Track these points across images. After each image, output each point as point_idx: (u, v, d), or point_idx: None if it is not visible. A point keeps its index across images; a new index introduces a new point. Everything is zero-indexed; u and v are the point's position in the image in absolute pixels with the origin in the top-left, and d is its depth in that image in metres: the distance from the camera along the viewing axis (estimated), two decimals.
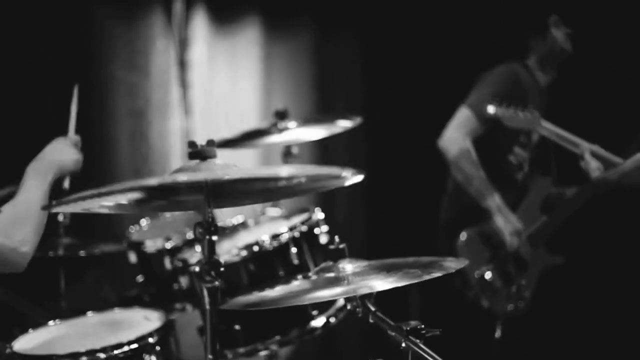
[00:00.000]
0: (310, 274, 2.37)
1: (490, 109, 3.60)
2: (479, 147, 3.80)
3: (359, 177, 1.86)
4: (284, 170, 1.78)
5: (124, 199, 1.91)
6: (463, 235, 3.79)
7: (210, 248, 1.90)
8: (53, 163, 2.51)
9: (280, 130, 3.43)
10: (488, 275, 3.72)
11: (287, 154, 3.68)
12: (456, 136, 3.76)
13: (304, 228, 2.85)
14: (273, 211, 3.35)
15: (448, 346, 3.92)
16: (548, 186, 3.93)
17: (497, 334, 3.74)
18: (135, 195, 1.90)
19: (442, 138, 3.82)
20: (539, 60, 3.92)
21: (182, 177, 1.76)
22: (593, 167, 3.47)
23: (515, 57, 3.97)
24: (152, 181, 1.76)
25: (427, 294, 4.58)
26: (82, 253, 3.54)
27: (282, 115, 3.46)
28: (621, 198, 3.80)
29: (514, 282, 3.76)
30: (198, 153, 1.91)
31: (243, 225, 3.22)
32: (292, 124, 3.45)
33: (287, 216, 3.20)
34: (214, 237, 1.90)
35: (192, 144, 1.92)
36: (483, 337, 3.84)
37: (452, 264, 2.21)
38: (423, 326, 2.15)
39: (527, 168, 3.91)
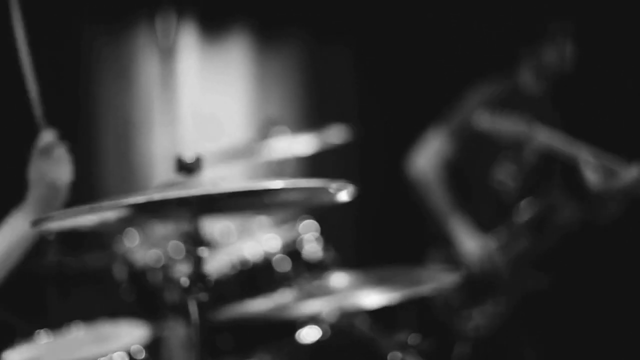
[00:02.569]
0: (298, 285, 2.38)
1: (483, 121, 3.46)
2: (456, 166, 3.76)
3: (351, 192, 1.85)
4: (276, 184, 1.77)
5: (110, 215, 1.91)
6: (432, 251, 3.75)
7: (198, 261, 1.90)
8: (42, 198, 2.37)
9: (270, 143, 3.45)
10: (448, 295, 3.62)
11: (278, 165, 3.69)
12: (420, 161, 3.71)
13: (293, 239, 2.86)
14: (262, 222, 3.36)
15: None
16: (534, 204, 3.82)
17: (455, 353, 3.64)
18: (122, 211, 1.90)
19: (408, 163, 3.77)
20: (529, 71, 3.80)
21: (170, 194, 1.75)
22: (591, 180, 3.40)
23: (501, 71, 3.89)
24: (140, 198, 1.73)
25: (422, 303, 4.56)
26: (70, 266, 3.55)
27: (272, 126, 3.48)
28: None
29: (477, 303, 3.66)
30: (185, 167, 1.91)
31: (231, 237, 3.23)
32: (282, 136, 3.47)
33: (275, 227, 3.21)
34: (202, 250, 1.90)
35: (179, 158, 1.92)
36: (446, 356, 3.77)
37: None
38: (410, 337, 2.16)
39: (514, 183, 3.83)
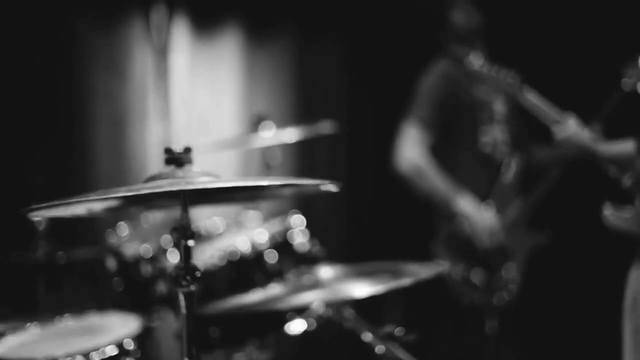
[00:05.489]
0: (287, 278, 2.39)
1: (475, 64, 3.42)
2: (446, 145, 3.78)
3: (336, 187, 1.87)
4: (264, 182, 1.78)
5: (100, 205, 1.92)
6: (439, 235, 3.76)
7: (187, 253, 1.91)
8: None
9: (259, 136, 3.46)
10: (465, 272, 3.68)
11: (267, 160, 3.71)
12: (407, 153, 3.73)
13: (282, 232, 2.88)
14: (252, 215, 3.38)
15: (439, 348, 3.95)
16: (521, 163, 3.87)
17: (487, 328, 3.71)
18: (113, 202, 1.91)
19: (394, 159, 3.78)
20: (458, 44, 3.89)
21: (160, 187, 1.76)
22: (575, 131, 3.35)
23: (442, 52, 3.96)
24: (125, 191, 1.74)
25: (407, 297, 4.57)
26: (60, 258, 3.56)
27: (260, 121, 3.50)
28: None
29: (494, 275, 3.70)
30: (174, 159, 1.92)
31: (221, 230, 3.24)
32: (270, 129, 3.49)
33: (265, 220, 3.23)
34: (190, 242, 1.91)
35: (168, 150, 1.93)
36: (474, 334, 3.79)
37: (427, 270, 2.25)
38: (398, 330, 2.18)
39: (503, 143, 3.84)
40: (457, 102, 3.73)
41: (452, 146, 3.80)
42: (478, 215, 3.66)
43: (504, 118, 3.84)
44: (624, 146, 3.21)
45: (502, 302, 3.71)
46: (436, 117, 3.70)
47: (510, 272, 3.72)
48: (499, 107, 3.86)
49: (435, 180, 3.68)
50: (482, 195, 3.74)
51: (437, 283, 3.75)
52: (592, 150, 3.35)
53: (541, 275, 4.00)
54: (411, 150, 3.72)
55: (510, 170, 3.79)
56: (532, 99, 3.38)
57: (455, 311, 3.79)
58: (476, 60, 3.45)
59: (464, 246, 3.70)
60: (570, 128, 3.30)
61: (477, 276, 3.68)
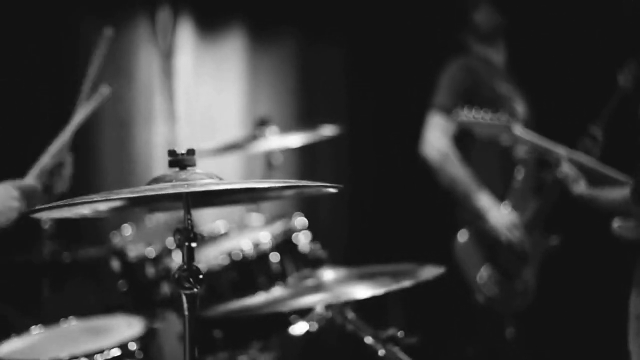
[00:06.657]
0: (290, 280, 2.40)
1: (462, 117, 3.39)
2: (465, 136, 3.76)
3: (336, 189, 1.87)
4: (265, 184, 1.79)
5: (105, 206, 1.93)
6: (460, 237, 3.76)
7: (190, 254, 1.91)
8: None
9: (262, 139, 3.47)
10: (489, 275, 3.68)
11: (270, 162, 3.71)
12: (434, 141, 3.77)
13: (285, 234, 2.89)
14: (255, 217, 3.38)
15: (461, 353, 3.92)
16: (535, 166, 3.79)
17: (508, 333, 3.71)
18: (117, 203, 1.92)
19: (422, 146, 3.83)
20: (480, 43, 3.96)
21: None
22: (572, 177, 3.34)
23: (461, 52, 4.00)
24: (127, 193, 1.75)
25: (419, 300, 4.55)
26: (65, 259, 3.58)
27: (263, 124, 3.51)
28: None
29: (516, 277, 3.69)
30: (178, 161, 1.93)
31: (225, 232, 3.25)
32: (273, 132, 3.49)
33: (268, 222, 3.23)
34: (193, 244, 1.91)
35: (172, 153, 1.94)
36: (495, 338, 3.80)
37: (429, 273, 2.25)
38: (400, 333, 2.18)
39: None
40: (478, 95, 3.76)
41: (470, 138, 3.80)
42: (498, 210, 3.66)
43: (523, 118, 3.84)
44: (619, 192, 3.17)
45: (522, 306, 3.71)
46: (457, 106, 3.68)
47: (528, 276, 3.72)
48: (520, 107, 3.88)
49: (460, 170, 3.73)
50: (496, 191, 3.74)
51: (455, 286, 3.78)
52: (587, 199, 3.32)
53: (555, 278, 3.99)
54: (439, 138, 3.78)
55: (521, 173, 3.79)
56: (523, 136, 3.33)
57: (472, 315, 3.79)
58: (462, 112, 3.40)
59: (486, 249, 3.70)
60: (563, 172, 3.29)
61: (497, 281, 3.68)
